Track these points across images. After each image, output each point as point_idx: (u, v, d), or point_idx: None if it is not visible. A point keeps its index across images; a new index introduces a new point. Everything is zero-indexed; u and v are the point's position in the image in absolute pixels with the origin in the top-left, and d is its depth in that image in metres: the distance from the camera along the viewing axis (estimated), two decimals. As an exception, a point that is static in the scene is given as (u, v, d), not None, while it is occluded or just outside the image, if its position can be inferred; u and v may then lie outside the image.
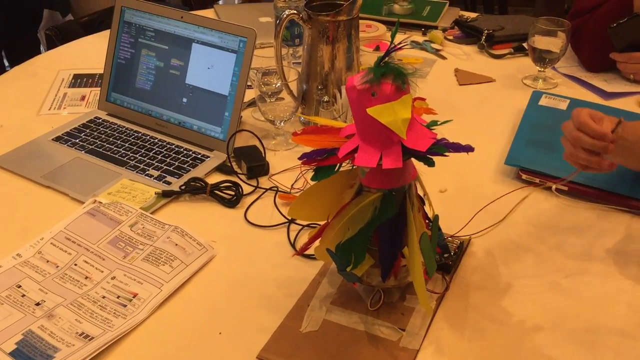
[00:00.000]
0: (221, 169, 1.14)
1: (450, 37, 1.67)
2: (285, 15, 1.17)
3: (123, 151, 1.18)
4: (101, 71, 1.31)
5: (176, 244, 0.94)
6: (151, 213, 1.02)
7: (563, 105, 1.28)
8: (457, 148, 0.74)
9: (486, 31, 1.61)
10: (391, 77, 0.69)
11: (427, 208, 0.82)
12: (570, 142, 0.94)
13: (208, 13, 1.80)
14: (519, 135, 1.18)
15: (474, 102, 1.38)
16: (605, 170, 0.93)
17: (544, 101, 1.30)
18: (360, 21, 1.25)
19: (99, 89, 1.33)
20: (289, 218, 1.00)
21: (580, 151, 0.93)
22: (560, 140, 0.96)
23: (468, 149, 0.74)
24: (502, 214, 1.01)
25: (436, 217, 0.80)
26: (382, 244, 0.77)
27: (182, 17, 1.21)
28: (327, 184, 0.80)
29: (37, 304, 0.85)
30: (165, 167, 1.13)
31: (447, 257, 0.89)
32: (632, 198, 1.02)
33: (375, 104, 0.69)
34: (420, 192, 0.81)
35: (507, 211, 1.02)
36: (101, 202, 1.02)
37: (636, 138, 0.97)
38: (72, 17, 2.39)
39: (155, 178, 1.11)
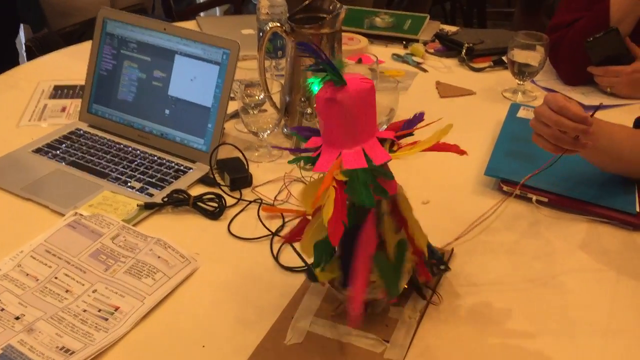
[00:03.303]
0: (204, 180, 1.13)
1: (431, 51, 1.69)
2: (268, 28, 1.18)
3: (105, 163, 1.17)
4: (82, 82, 1.30)
5: (159, 257, 0.93)
6: (133, 225, 1.01)
7: (542, 117, 1.30)
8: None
9: (466, 45, 1.63)
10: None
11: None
12: (552, 125, 0.95)
13: (190, 25, 1.80)
14: (498, 147, 1.20)
15: (455, 114, 1.39)
16: (579, 148, 0.95)
17: (522, 113, 1.32)
18: (343, 34, 1.26)
19: (80, 100, 1.32)
20: (272, 230, 1.01)
21: (555, 132, 0.94)
22: (530, 123, 0.98)
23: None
24: (484, 225, 1.02)
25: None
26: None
27: (164, 29, 1.21)
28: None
29: (17, 318, 0.84)
30: (147, 179, 1.13)
31: (443, 268, 0.90)
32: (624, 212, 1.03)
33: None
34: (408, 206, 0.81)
35: (488, 222, 1.03)
36: (82, 215, 1.01)
37: (610, 142, 1.00)
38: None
39: (137, 190, 1.10)
